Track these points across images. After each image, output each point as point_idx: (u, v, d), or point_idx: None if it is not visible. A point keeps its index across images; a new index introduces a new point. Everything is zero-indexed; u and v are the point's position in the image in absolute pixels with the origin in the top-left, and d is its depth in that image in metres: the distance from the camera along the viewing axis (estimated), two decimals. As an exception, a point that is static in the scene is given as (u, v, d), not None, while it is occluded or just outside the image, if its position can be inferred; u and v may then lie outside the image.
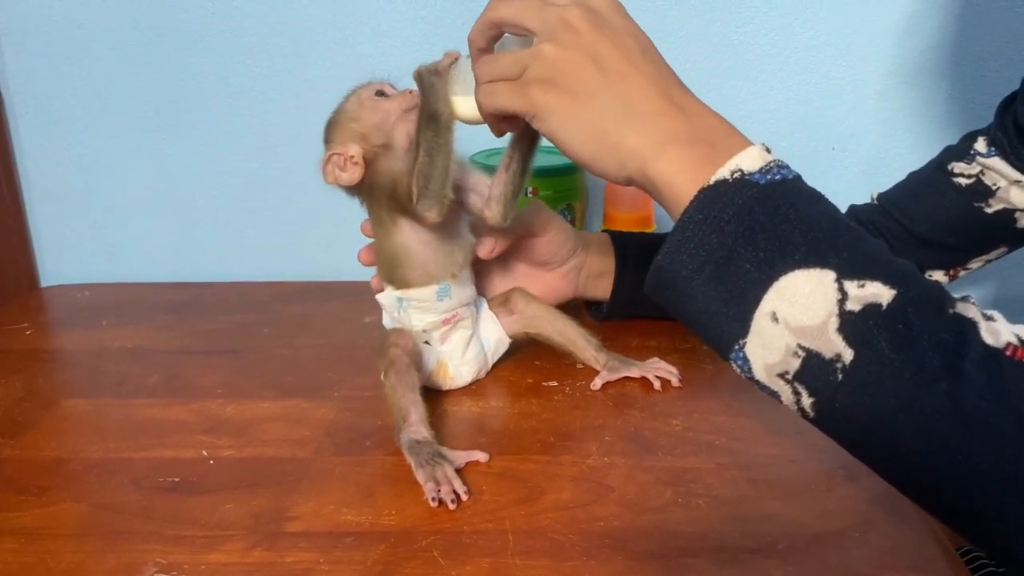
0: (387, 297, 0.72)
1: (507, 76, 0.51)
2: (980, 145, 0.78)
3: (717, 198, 0.42)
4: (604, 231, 0.86)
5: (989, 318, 0.40)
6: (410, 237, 0.69)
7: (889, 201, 0.85)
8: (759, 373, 0.42)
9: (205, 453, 0.65)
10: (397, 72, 1.00)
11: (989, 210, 0.78)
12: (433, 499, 0.57)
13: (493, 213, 0.70)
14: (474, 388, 0.75)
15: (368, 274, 0.76)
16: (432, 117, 0.62)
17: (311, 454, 0.65)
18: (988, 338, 0.39)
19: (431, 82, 0.62)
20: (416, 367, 0.68)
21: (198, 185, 1.06)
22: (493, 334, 0.77)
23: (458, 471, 0.61)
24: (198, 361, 0.82)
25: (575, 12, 0.48)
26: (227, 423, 0.70)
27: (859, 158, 1.02)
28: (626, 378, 0.75)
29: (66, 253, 1.09)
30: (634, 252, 0.83)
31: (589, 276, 0.82)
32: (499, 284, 0.80)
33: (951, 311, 0.40)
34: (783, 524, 0.56)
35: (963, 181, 0.79)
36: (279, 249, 1.08)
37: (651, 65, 0.48)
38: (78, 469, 0.64)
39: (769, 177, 0.42)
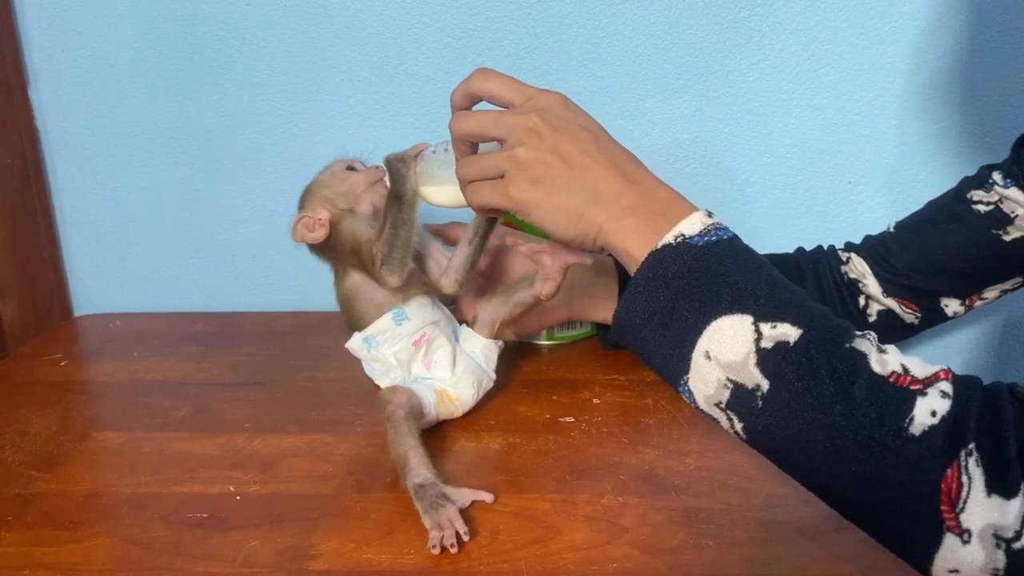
0: (355, 342, 0.78)
1: (487, 176, 0.59)
2: (997, 176, 0.80)
3: (663, 259, 0.51)
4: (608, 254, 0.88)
5: (882, 351, 0.47)
6: (359, 280, 0.77)
7: (907, 228, 0.86)
8: (701, 403, 0.50)
9: (232, 488, 0.68)
10: (420, 111, 1.03)
11: (1007, 238, 0.79)
12: (434, 547, 0.58)
13: (449, 281, 0.78)
14: (492, 423, 0.77)
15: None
16: (398, 196, 0.72)
17: (334, 490, 0.67)
18: (877, 367, 0.46)
19: (398, 167, 0.71)
20: (415, 416, 0.70)
21: (225, 218, 1.09)
22: (477, 344, 0.80)
23: (469, 510, 0.62)
24: (225, 394, 0.85)
25: (535, 119, 0.57)
26: (253, 457, 0.72)
27: (875, 191, 1.03)
28: (641, 411, 0.77)
29: (98, 283, 1.12)
30: None
31: (584, 296, 0.84)
32: (493, 309, 0.81)
33: (847, 346, 0.46)
34: (791, 567, 0.57)
35: (982, 208, 0.80)
36: (303, 280, 1.10)
37: (604, 152, 0.56)
38: (111, 504, 0.66)
39: (707, 239, 0.51)
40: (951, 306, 0.85)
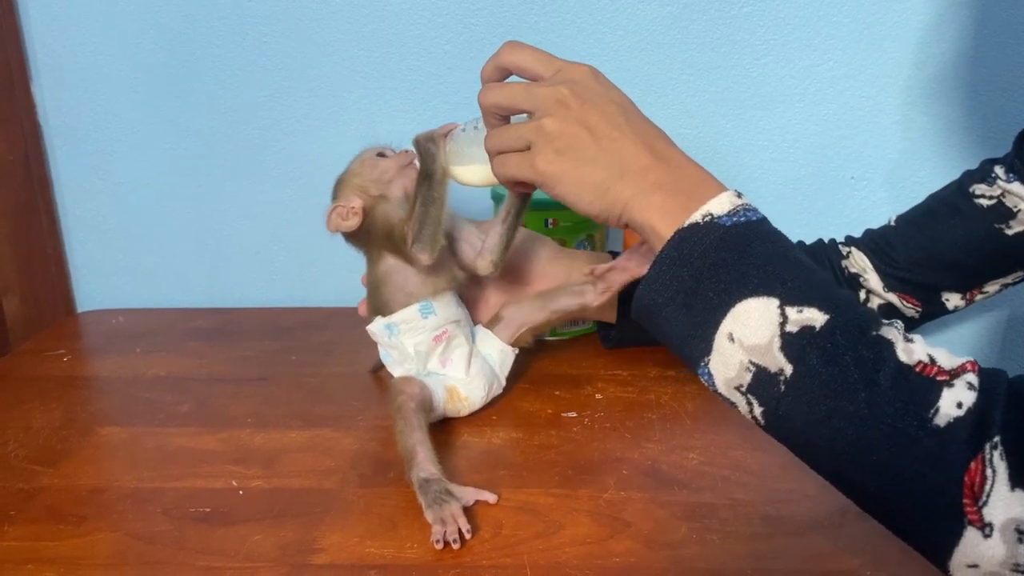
0: (377, 326, 0.77)
1: (514, 148, 0.58)
2: (999, 171, 0.79)
3: (689, 238, 0.49)
4: (609, 252, 0.88)
5: (909, 340, 0.46)
6: (392, 265, 0.76)
7: (907, 222, 0.86)
8: (720, 386, 0.49)
9: (235, 483, 0.68)
10: (423, 106, 1.03)
11: (1009, 232, 0.79)
12: (437, 541, 0.58)
13: (485, 263, 0.78)
14: (494, 418, 0.77)
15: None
16: (427, 175, 0.71)
17: (336, 485, 0.67)
18: (903, 356, 0.45)
19: (426, 147, 0.71)
20: (425, 409, 0.70)
21: (227, 214, 1.09)
22: (494, 347, 0.80)
23: (471, 505, 0.62)
24: (228, 389, 0.85)
25: (563, 90, 0.55)
26: (256, 453, 0.72)
27: (878, 186, 1.03)
28: (644, 406, 0.77)
29: (101, 279, 1.12)
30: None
31: None
32: (525, 313, 0.82)
33: (874, 333, 0.46)
34: (795, 561, 0.57)
35: (984, 202, 0.80)
36: (305, 276, 1.10)
37: (633, 127, 0.55)
38: (114, 498, 0.66)
39: (735, 219, 0.49)
40: (952, 300, 0.84)
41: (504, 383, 0.80)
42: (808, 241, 0.91)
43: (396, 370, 0.78)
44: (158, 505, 0.65)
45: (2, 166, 1.04)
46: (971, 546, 0.42)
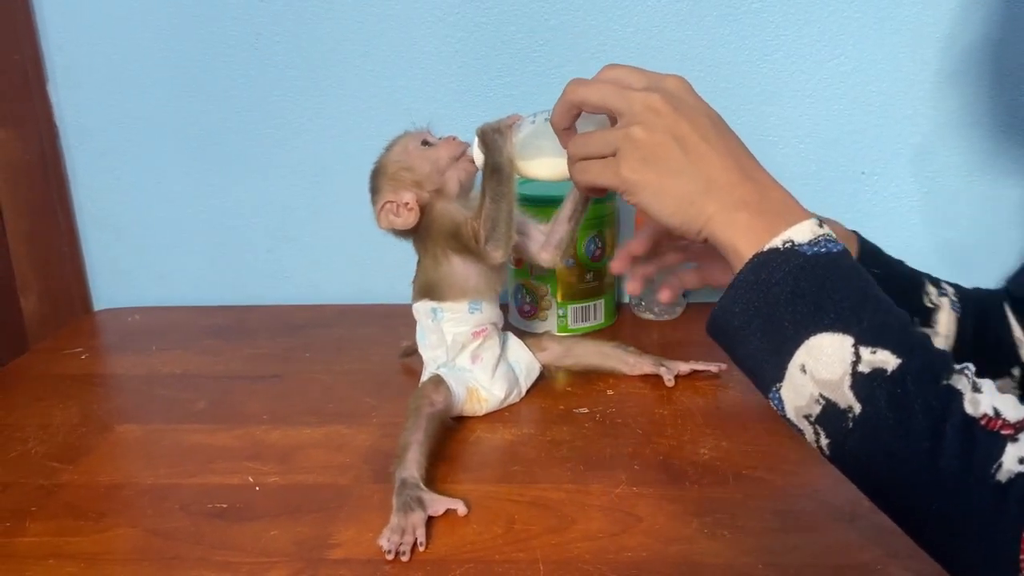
0: (423, 306, 0.77)
1: (599, 154, 0.57)
2: None
3: (767, 264, 0.49)
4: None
5: (977, 390, 0.45)
6: (457, 267, 0.75)
7: None
8: (790, 413, 0.49)
9: (251, 479, 0.68)
10: (434, 105, 1.04)
11: None
12: (382, 544, 0.58)
13: (551, 256, 0.77)
14: (507, 414, 0.78)
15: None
16: (496, 169, 0.69)
17: (351, 481, 0.68)
18: (969, 408, 0.44)
19: (494, 139, 0.69)
20: (440, 418, 0.71)
21: (240, 212, 1.09)
22: (523, 358, 0.81)
23: (484, 500, 0.63)
24: (243, 386, 0.86)
25: (656, 97, 0.54)
26: (271, 449, 0.73)
27: (888, 182, 1.02)
28: (655, 402, 0.78)
29: (117, 277, 1.13)
30: None
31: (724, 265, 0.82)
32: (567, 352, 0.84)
33: (944, 382, 0.45)
34: (806, 556, 0.57)
35: None
36: (317, 273, 1.11)
37: (723, 141, 0.54)
38: (132, 494, 0.67)
39: (816, 249, 0.48)
40: None
41: (524, 394, 0.80)
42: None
43: (426, 352, 0.78)
44: (176, 501, 0.66)
45: (19, 166, 1.05)
46: None
